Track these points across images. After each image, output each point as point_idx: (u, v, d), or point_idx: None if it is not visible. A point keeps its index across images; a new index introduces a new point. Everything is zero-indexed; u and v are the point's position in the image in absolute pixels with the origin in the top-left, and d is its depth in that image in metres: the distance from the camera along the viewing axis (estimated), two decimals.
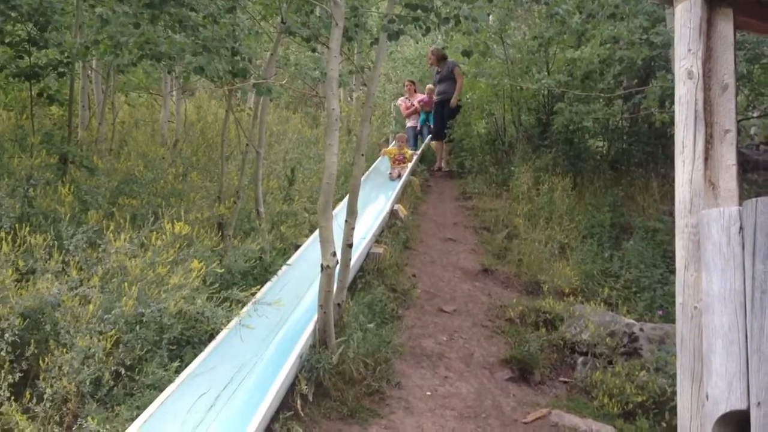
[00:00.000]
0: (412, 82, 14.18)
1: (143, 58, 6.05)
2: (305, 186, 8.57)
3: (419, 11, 5.31)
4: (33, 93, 7.48)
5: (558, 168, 10.48)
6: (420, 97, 13.56)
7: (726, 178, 2.70)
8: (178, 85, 10.41)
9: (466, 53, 6.50)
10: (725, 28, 2.74)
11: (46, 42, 6.90)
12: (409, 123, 13.58)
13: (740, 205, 2.47)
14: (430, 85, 13.63)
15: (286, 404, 4.52)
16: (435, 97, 12.75)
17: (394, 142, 11.82)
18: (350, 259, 5.72)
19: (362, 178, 6.04)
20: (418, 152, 12.34)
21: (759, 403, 2.20)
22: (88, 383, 3.99)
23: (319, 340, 5.03)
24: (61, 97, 7.80)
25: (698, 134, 2.72)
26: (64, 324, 4.15)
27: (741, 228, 2.41)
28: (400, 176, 10.35)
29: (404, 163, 10.74)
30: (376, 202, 9.13)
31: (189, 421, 4.12)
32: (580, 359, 6.09)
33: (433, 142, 13.10)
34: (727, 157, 2.71)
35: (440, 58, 12.35)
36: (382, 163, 11.08)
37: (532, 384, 5.83)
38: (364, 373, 5.09)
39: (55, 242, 4.78)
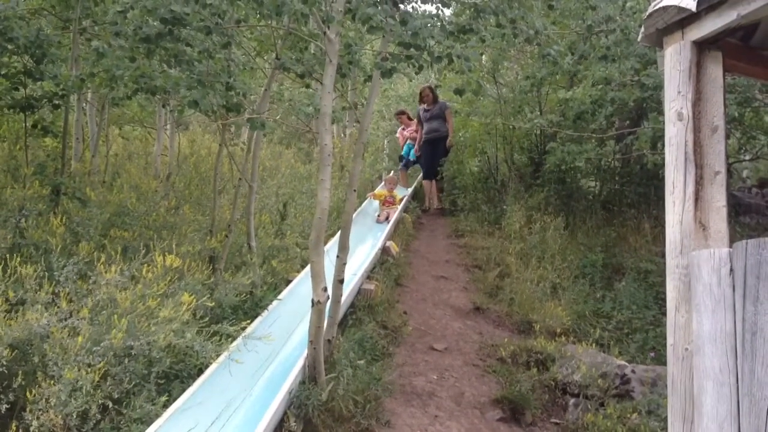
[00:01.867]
0: (403, 112, 14.25)
1: (138, 91, 6.08)
2: (297, 221, 8.57)
3: (412, 50, 5.37)
4: (27, 124, 7.50)
5: (550, 207, 10.53)
6: (413, 126, 13.43)
7: (716, 219, 2.72)
8: (172, 118, 10.45)
9: (459, 92, 6.56)
10: (714, 70, 2.78)
11: (42, 74, 6.93)
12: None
13: (731, 246, 2.48)
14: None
15: None
16: (424, 136, 12.61)
17: (382, 183, 11.63)
18: (341, 295, 5.71)
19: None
20: (408, 195, 12.14)
21: None
22: (75, 416, 3.95)
23: (309, 377, 4.99)
24: (56, 128, 7.83)
25: (688, 175, 2.74)
26: (53, 356, 4.12)
27: (731, 270, 2.42)
28: (388, 219, 10.12)
29: (393, 205, 10.56)
30: (364, 244, 8.98)
31: None
32: (572, 401, 6.05)
33: (424, 182, 12.98)
34: (718, 198, 2.73)
35: (435, 97, 12.44)
36: (370, 205, 10.82)
37: (523, 425, 5.78)
38: (353, 410, 5.04)
39: (46, 273, 4.76)
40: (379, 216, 10.25)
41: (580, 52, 9.65)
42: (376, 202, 10.66)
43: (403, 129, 13.80)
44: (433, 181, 12.57)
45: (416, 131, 13.17)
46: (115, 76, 5.88)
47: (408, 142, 13.40)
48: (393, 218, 9.98)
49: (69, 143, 7.88)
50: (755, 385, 2.23)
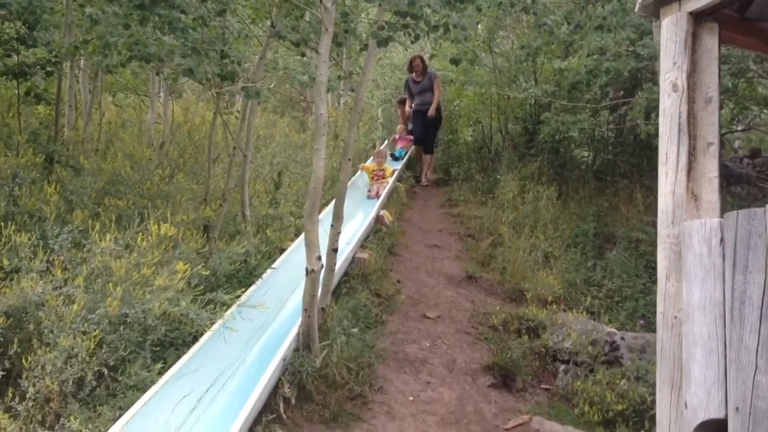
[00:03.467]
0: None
1: (132, 59, 6.05)
2: (291, 190, 8.57)
3: (408, 19, 5.34)
4: (20, 92, 7.45)
5: (543, 177, 10.54)
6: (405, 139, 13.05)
7: (708, 190, 2.75)
8: (166, 86, 10.38)
9: (455, 61, 6.56)
10: (710, 42, 2.79)
11: (35, 41, 6.87)
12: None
13: (722, 217, 2.51)
14: (401, 126, 13.19)
15: (268, 407, 4.53)
16: (414, 107, 12.31)
17: (372, 157, 11.28)
18: (335, 264, 5.74)
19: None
20: (399, 168, 11.74)
21: (737, 409, 2.24)
22: (70, 383, 3.99)
23: (303, 344, 5.04)
24: (48, 96, 7.77)
25: (681, 146, 2.76)
26: (48, 323, 4.15)
27: (722, 239, 2.45)
28: (378, 195, 9.68)
29: (383, 179, 10.16)
30: (356, 217, 8.84)
31: (171, 422, 4.12)
32: (562, 367, 6.13)
33: (414, 147, 12.64)
34: (710, 169, 2.76)
35: (425, 68, 12.15)
36: (361, 178, 10.50)
37: (514, 391, 5.86)
38: (346, 377, 5.10)
39: (40, 241, 4.77)
40: (369, 191, 9.97)
41: (576, 22, 9.64)
42: (366, 175, 10.41)
43: (396, 138, 13.28)
44: (424, 154, 12.34)
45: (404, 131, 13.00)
46: (109, 43, 5.84)
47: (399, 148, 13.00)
48: (383, 193, 9.66)
49: (62, 111, 7.84)
50: (743, 352, 2.27)
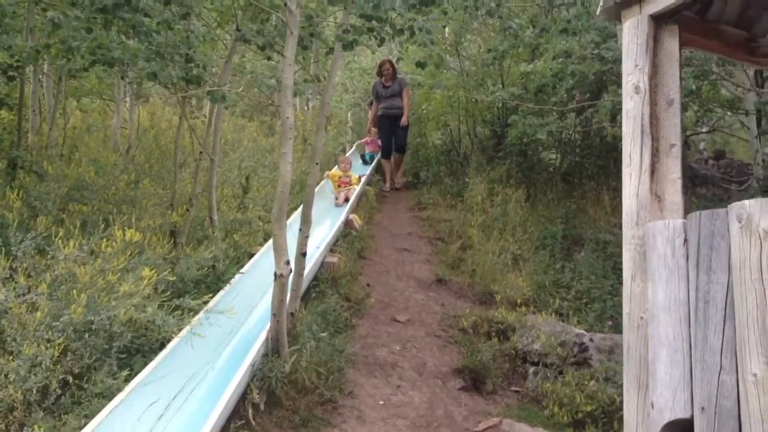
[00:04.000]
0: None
1: (96, 63, 5.98)
2: (260, 194, 8.53)
3: (374, 22, 5.34)
4: None
5: (512, 180, 10.61)
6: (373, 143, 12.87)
7: (671, 191, 2.77)
8: (132, 91, 10.29)
9: (421, 64, 6.56)
10: (671, 44, 2.82)
11: None
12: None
13: (685, 218, 2.54)
14: (373, 128, 12.81)
15: (237, 413, 4.49)
16: (381, 110, 12.04)
17: (337, 165, 10.79)
18: (304, 268, 5.71)
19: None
20: (367, 174, 11.52)
21: (703, 409, 2.26)
22: (35, 391, 3.92)
23: (272, 349, 5.00)
24: (11, 101, 7.66)
25: (645, 148, 2.79)
26: (11, 331, 4.09)
27: (685, 240, 2.48)
28: (347, 200, 9.51)
29: (350, 185, 9.89)
30: (324, 223, 8.64)
31: (138, 430, 4.06)
32: (532, 369, 6.15)
33: (383, 160, 12.33)
34: (673, 170, 2.78)
35: (395, 73, 11.92)
36: (327, 185, 10.11)
37: (484, 393, 5.87)
38: (316, 382, 5.07)
39: (3, 248, 4.70)
40: (337, 199, 9.71)
41: (541, 26, 9.71)
42: (331, 183, 10.07)
43: (367, 141, 13.10)
44: (392, 159, 12.06)
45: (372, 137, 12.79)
46: (72, 47, 5.78)
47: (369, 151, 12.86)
48: (352, 198, 9.50)
49: (25, 116, 7.73)
50: (707, 352, 2.29)
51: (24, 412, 3.88)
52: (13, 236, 4.86)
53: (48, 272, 4.60)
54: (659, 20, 2.84)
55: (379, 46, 6.03)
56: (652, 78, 2.84)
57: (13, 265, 4.61)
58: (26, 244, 4.80)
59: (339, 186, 9.84)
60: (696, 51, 7.91)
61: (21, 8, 7.57)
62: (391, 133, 11.85)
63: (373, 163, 12.39)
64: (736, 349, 2.19)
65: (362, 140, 13.19)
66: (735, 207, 2.23)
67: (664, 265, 2.52)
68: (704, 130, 14.42)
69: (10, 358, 3.96)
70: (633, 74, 2.87)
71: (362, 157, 12.58)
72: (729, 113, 12.66)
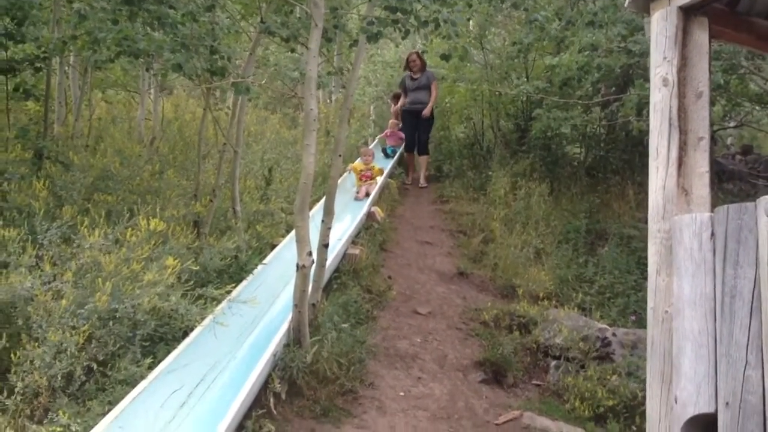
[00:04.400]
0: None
1: (121, 54, 6.00)
2: (282, 186, 8.55)
3: (399, 14, 5.33)
4: (9, 87, 7.40)
5: (535, 173, 10.55)
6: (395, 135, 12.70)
7: (699, 185, 2.74)
8: (156, 82, 10.35)
9: (445, 57, 6.54)
10: (701, 36, 2.79)
11: (23, 36, 6.82)
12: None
13: (713, 212, 2.51)
14: (393, 120, 12.86)
15: (258, 402, 4.51)
16: (407, 104, 11.93)
17: (360, 156, 10.76)
18: (326, 260, 5.72)
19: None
20: (389, 166, 11.43)
21: (727, 404, 2.24)
22: (59, 378, 3.96)
23: (294, 340, 5.02)
24: (38, 92, 7.72)
25: (672, 141, 2.76)
26: (37, 318, 4.12)
27: (712, 234, 2.45)
28: (368, 195, 9.31)
29: (372, 179, 9.79)
30: (342, 221, 8.43)
31: (161, 417, 4.10)
32: (553, 363, 6.13)
33: (406, 153, 12.24)
34: (701, 164, 2.75)
35: (423, 65, 11.78)
36: (349, 179, 10.02)
37: (505, 386, 5.86)
38: (337, 372, 5.09)
39: (29, 237, 4.75)
40: (358, 193, 9.59)
41: (567, 18, 9.63)
42: (354, 175, 10.04)
43: (387, 134, 12.89)
44: (416, 155, 11.96)
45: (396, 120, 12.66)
46: (98, 38, 5.82)
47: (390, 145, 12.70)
48: (373, 194, 9.32)
49: (51, 107, 7.80)
50: (733, 347, 2.27)
51: (49, 397, 3.93)
52: (39, 225, 4.90)
53: (73, 260, 4.64)
54: (688, 12, 2.80)
55: (403, 38, 6.02)
56: (681, 70, 2.81)
57: (39, 254, 4.65)
58: (52, 233, 4.85)
59: (360, 179, 9.81)
60: (725, 44, 7.82)
61: (47, 0, 7.64)
62: (414, 128, 11.75)
63: (396, 157, 12.28)
64: (762, 345, 2.17)
65: (383, 133, 13.12)
66: (763, 201, 2.20)
67: (691, 259, 2.50)
68: (732, 124, 14.25)
69: (36, 344, 4.00)
70: (661, 66, 2.84)
71: (383, 150, 12.48)
72: (757, 108, 12.50)
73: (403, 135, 12.32)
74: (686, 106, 2.78)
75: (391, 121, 12.96)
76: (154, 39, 5.80)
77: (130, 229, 5.00)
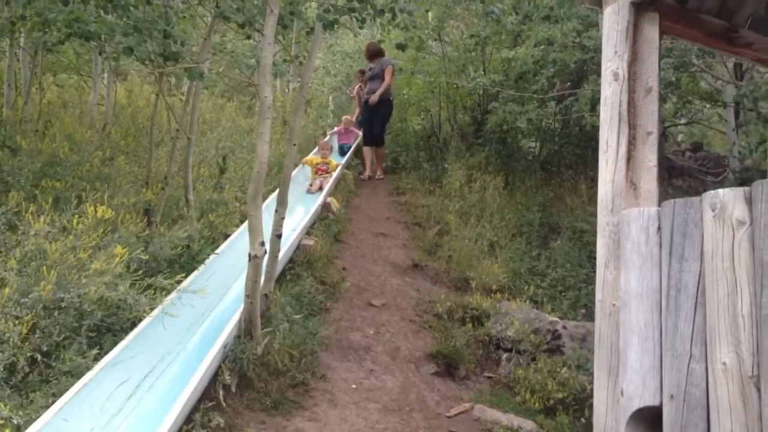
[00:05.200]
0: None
1: (71, 36, 5.86)
2: (237, 175, 8.45)
3: (355, 2, 5.29)
4: None
5: (491, 167, 10.60)
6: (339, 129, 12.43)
7: (647, 179, 2.77)
8: (110, 67, 10.15)
9: (401, 46, 6.52)
10: (651, 31, 2.81)
11: None
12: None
13: (660, 206, 2.53)
14: (346, 116, 12.65)
15: (208, 395, 4.45)
16: (364, 96, 11.72)
17: (316, 149, 10.62)
18: (279, 250, 5.66)
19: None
20: (345, 159, 11.27)
21: (672, 396, 2.26)
22: (1, 368, 3.85)
23: (245, 331, 4.96)
24: None
25: (621, 135, 2.78)
26: None
27: (659, 228, 2.47)
28: (321, 189, 9.14)
29: (328, 173, 9.68)
30: (294, 214, 8.25)
31: (107, 409, 4.02)
32: (505, 355, 6.17)
33: (364, 147, 11.82)
34: (649, 158, 2.78)
35: (374, 53, 11.54)
36: (302, 173, 9.80)
37: (457, 379, 5.88)
38: (289, 364, 5.05)
39: None
40: (311, 186, 9.43)
41: (523, 12, 9.69)
42: (309, 169, 9.88)
43: (341, 130, 12.46)
44: (374, 148, 11.66)
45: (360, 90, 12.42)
46: (48, 19, 5.67)
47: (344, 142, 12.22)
48: (326, 188, 9.14)
49: (0, 90, 7.60)
50: (678, 340, 2.29)
51: None
52: None
53: (18, 248, 4.54)
54: (640, 7, 2.82)
55: (360, 27, 5.99)
56: (632, 65, 2.83)
57: None
58: None
59: (316, 173, 9.69)
60: (676, 41, 7.93)
61: None
62: (370, 119, 11.51)
63: (350, 153, 11.92)
64: (706, 338, 2.20)
65: (336, 129, 12.72)
66: (709, 196, 2.23)
67: (638, 253, 2.52)
68: (683, 122, 14.51)
69: None
70: (612, 61, 2.86)
71: (340, 147, 12.08)
72: (707, 105, 12.75)
73: (357, 131, 12.13)
74: (636, 101, 2.80)
75: (344, 117, 12.63)
76: (106, 21, 5.67)
77: (77, 216, 4.89)
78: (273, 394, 4.80)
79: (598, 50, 8.54)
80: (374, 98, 11.16)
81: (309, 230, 7.58)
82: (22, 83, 8.80)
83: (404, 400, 5.22)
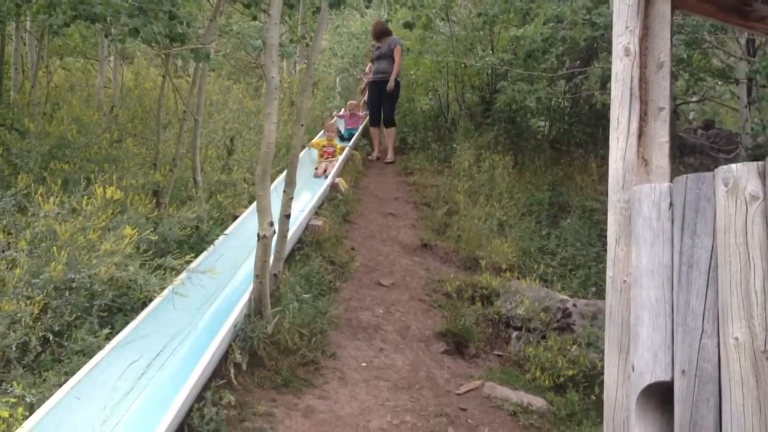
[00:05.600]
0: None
1: (77, 18, 5.84)
2: (245, 156, 8.45)
3: None
4: None
5: (499, 146, 10.55)
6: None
7: (659, 155, 2.74)
8: (116, 50, 10.14)
9: (408, 25, 6.48)
10: (663, 6, 2.77)
11: None
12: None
13: (672, 182, 2.51)
14: (351, 101, 12.36)
15: (219, 373, 4.48)
16: (372, 76, 11.52)
17: (322, 132, 10.48)
18: (288, 230, 5.68)
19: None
20: (350, 144, 11.07)
21: (683, 372, 2.25)
22: (14, 348, 3.88)
23: (255, 310, 4.99)
24: None
25: (633, 111, 2.75)
26: None
27: (671, 204, 2.45)
28: (326, 172, 9.14)
29: (333, 156, 9.62)
30: (308, 190, 8.40)
31: (119, 388, 4.06)
32: (515, 333, 6.18)
33: (371, 128, 11.66)
34: (661, 134, 2.75)
35: (381, 33, 11.24)
36: (308, 156, 9.68)
37: (467, 357, 5.89)
38: (299, 343, 5.07)
39: None
40: (317, 169, 9.41)
41: None
42: (315, 152, 9.83)
43: (346, 114, 12.09)
44: (383, 128, 11.43)
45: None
46: (53, 2, 5.66)
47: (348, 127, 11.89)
48: (331, 173, 8.99)
49: (7, 73, 7.61)
50: (689, 316, 2.28)
51: (3, 368, 3.86)
52: None
53: (28, 229, 4.55)
54: None
55: (367, 6, 5.97)
56: (643, 40, 2.79)
57: None
58: (6, 201, 4.75)
59: (322, 155, 9.63)
60: (688, 17, 7.85)
61: None
62: (378, 99, 11.32)
63: (356, 135, 11.72)
64: (718, 313, 2.18)
65: (340, 113, 12.32)
66: (721, 171, 2.20)
67: (649, 229, 2.50)
68: (694, 99, 14.41)
69: None
70: (623, 36, 2.82)
71: (340, 134, 11.57)
72: (719, 83, 12.65)
73: (362, 114, 11.96)
74: (647, 77, 2.77)
75: (349, 102, 12.35)
76: (111, 3, 5.64)
77: (86, 197, 4.90)
78: (283, 372, 4.83)
79: (608, 27, 8.47)
80: (390, 85, 10.97)
81: (318, 210, 7.59)
82: (29, 67, 8.81)
83: (414, 378, 5.24)
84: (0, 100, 7.05)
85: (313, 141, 9.95)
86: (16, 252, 4.29)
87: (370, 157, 11.39)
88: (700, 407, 2.19)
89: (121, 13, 5.57)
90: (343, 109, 10.97)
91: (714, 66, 11.46)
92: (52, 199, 4.70)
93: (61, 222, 4.59)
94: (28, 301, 4.04)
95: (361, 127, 11.96)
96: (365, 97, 12.35)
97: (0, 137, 6.41)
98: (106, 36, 8.55)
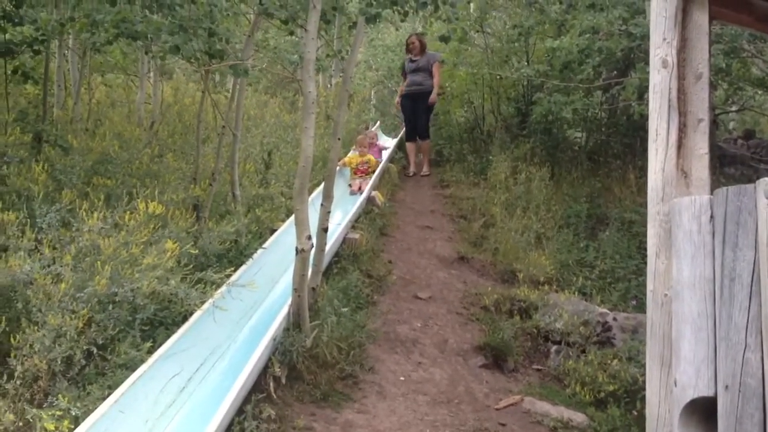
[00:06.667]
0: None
1: (119, 36, 5.98)
2: (282, 170, 8.52)
3: None
4: (8, 70, 7.36)
5: (536, 158, 10.51)
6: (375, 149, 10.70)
7: (698, 167, 2.72)
8: (156, 66, 10.32)
9: (444, 38, 6.50)
10: (700, 17, 2.76)
11: (21, 19, 6.78)
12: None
13: (712, 194, 2.49)
14: (360, 136, 10.78)
15: (258, 387, 4.51)
16: (405, 89, 11.50)
17: (354, 147, 10.22)
18: (325, 244, 5.72)
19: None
20: (384, 159, 10.69)
21: (727, 387, 2.23)
22: (59, 361, 3.96)
23: (293, 324, 5.02)
24: (36, 75, 7.69)
25: (672, 123, 2.73)
26: (36, 302, 4.11)
27: (712, 216, 2.43)
28: (361, 190, 8.86)
29: (367, 173, 9.40)
30: (345, 203, 8.39)
31: (161, 401, 4.11)
32: (554, 347, 6.13)
33: (406, 143, 11.65)
34: (700, 146, 2.73)
35: (423, 48, 11.35)
36: (341, 176, 9.22)
37: (506, 371, 5.86)
38: (337, 357, 5.09)
39: (28, 220, 4.73)
40: (351, 187, 9.24)
41: (567, 1, 9.57)
42: (347, 170, 9.60)
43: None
44: (418, 142, 11.48)
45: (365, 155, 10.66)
46: (96, 20, 5.78)
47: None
48: (366, 189, 8.73)
49: (50, 90, 7.79)
50: (732, 330, 2.25)
51: (48, 381, 3.93)
52: (39, 209, 4.89)
53: (72, 244, 4.63)
54: None
55: (402, 20, 5.99)
56: (681, 52, 2.78)
57: (39, 237, 4.64)
58: (51, 217, 4.84)
59: (355, 173, 9.56)
60: (726, 27, 7.76)
61: None
62: (413, 112, 11.32)
63: (389, 152, 11.08)
64: (761, 327, 2.16)
65: (356, 150, 10.31)
66: (763, 183, 2.18)
67: (690, 242, 2.48)
68: (734, 109, 14.19)
69: (36, 328, 3.99)
70: (661, 48, 2.81)
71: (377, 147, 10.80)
72: (759, 92, 12.45)
73: (383, 145, 11.59)
74: (686, 88, 2.75)
75: (359, 138, 10.68)
76: (152, 21, 5.76)
77: (128, 212, 4.99)
78: (322, 386, 4.84)
79: (645, 38, 8.40)
80: (433, 98, 11.14)
81: (354, 224, 7.62)
82: (71, 84, 9.00)
83: (453, 393, 5.22)
84: (44, 117, 7.19)
85: (345, 159, 9.63)
86: (61, 266, 4.37)
87: (406, 173, 11.38)
88: (744, 423, 2.16)
89: (161, 31, 5.68)
90: (352, 150, 10.13)
91: (754, 75, 11.27)
92: (95, 214, 4.79)
93: (105, 237, 4.67)
94: (73, 315, 4.11)
95: (389, 151, 11.55)
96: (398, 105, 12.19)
97: (44, 153, 6.55)
98: (146, 53, 8.72)
